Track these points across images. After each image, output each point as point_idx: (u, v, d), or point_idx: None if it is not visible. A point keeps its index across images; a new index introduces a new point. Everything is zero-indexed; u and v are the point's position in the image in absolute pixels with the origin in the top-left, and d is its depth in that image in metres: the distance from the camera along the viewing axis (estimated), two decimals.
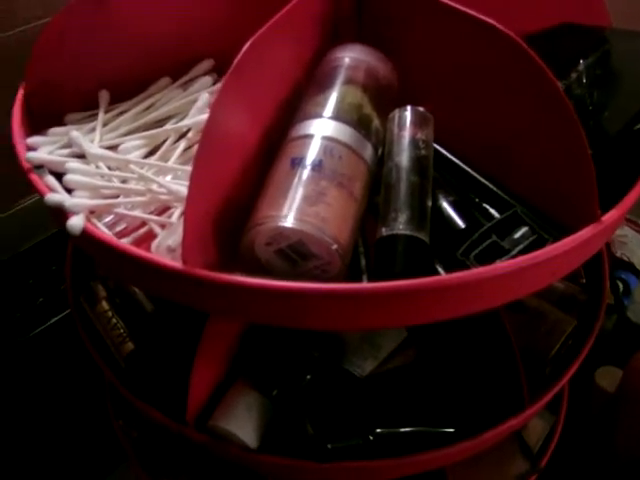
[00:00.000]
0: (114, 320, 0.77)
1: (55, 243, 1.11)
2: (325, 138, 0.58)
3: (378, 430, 0.65)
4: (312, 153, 0.57)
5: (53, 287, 1.08)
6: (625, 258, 1.22)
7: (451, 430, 0.67)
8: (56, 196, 0.59)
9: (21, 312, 1.04)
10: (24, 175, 0.63)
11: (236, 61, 0.54)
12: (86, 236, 0.56)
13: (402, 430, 0.67)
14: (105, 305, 0.79)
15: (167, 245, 0.57)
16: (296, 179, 0.55)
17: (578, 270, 0.88)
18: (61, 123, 0.71)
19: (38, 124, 0.69)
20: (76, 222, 0.56)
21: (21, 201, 1.09)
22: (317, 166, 0.55)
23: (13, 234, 1.10)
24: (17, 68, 0.70)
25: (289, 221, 0.52)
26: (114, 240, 0.56)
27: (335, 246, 0.53)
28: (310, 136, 0.58)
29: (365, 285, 0.55)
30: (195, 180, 0.51)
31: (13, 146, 0.65)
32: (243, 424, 0.67)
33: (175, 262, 0.52)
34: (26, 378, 1.06)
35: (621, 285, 1.15)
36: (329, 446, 0.63)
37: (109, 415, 0.92)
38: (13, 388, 1.05)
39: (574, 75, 0.70)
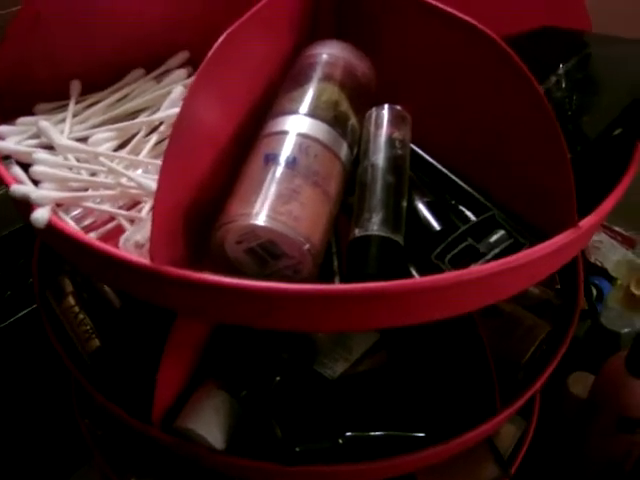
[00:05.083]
0: (81, 316, 0.76)
1: (23, 236, 1.09)
2: (300, 135, 0.56)
3: (348, 433, 0.64)
4: (287, 150, 0.55)
5: (20, 280, 1.06)
6: (598, 264, 1.22)
7: (422, 435, 0.66)
8: (22, 187, 0.57)
9: None
10: None
11: (210, 53, 0.53)
12: (52, 229, 0.55)
13: (372, 434, 0.66)
14: (72, 300, 0.77)
15: (135, 240, 0.55)
16: (269, 176, 0.53)
17: (553, 275, 0.87)
18: (30, 113, 0.69)
19: (6, 114, 0.67)
20: (41, 215, 0.54)
21: None
22: (291, 163, 0.54)
23: None
24: None
25: (261, 219, 0.51)
26: (80, 234, 0.54)
27: (307, 246, 0.51)
28: (285, 132, 0.57)
29: (337, 286, 0.54)
30: (165, 174, 0.49)
31: None
32: (210, 425, 0.65)
33: (142, 258, 0.50)
34: None
35: (594, 291, 1.16)
36: (297, 449, 0.62)
37: (74, 412, 0.90)
38: None
39: (553, 79, 0.69)
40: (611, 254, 1.24)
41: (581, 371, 1.06)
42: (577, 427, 1.01)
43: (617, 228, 1.27)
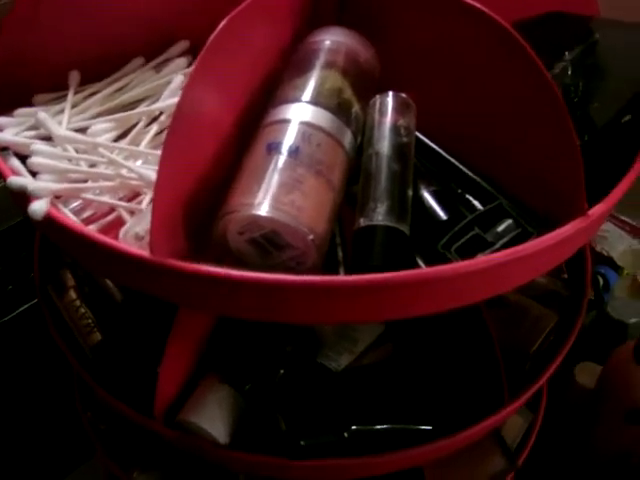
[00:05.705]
0: (82, 310, 0.75)
1: (25, 229, 1.08)
2: (303, 123, 0.55)
3: (353, 427, 0.63)
4: (289, 139, 0.54)
5: (23, 274, 1.05)
6: (605, 253, 1.21)
7: (429, 428, 0.65)
8: (19, 179, 0.56)
9: None
10: None
11: (210, 41, 0.52)
12: (50, 222, 0.54)
13: (378, 427, 0.65)
14: (73, 294, 0.76)
15: (135, 232, 0.54)
16: (272, 165, 0.52)
17: (560, 265, 0.86)
18: (29, 104, 0.68)
19: (4, 105, 0.66)
20: (39, 206, 0.53)
21: None
22: (294, 152, 0.53)
23: None
24: None
25: (263, 209, 0.50)
26: (79, 226, 0.53)
27: (311, 236, 0.50)
28: (287, 121, 0.56)
29: (341, 278, 0.53)
30: (165, 165, 0.48)
31: None
32: (213, 419, 0.64)
33: (142, 250, 0.49)
34: None
35: (601, 280, 1.15)
36: (302, 443, 0.62)
37: (76, 407, 0.90)
38: None
39: (560, 65, 0.68)
40: (618, 243, 1.23)
41: (588, 361, 1.05)
42: (583, 418, 1.00)
43: (624, 217, 1.26)
